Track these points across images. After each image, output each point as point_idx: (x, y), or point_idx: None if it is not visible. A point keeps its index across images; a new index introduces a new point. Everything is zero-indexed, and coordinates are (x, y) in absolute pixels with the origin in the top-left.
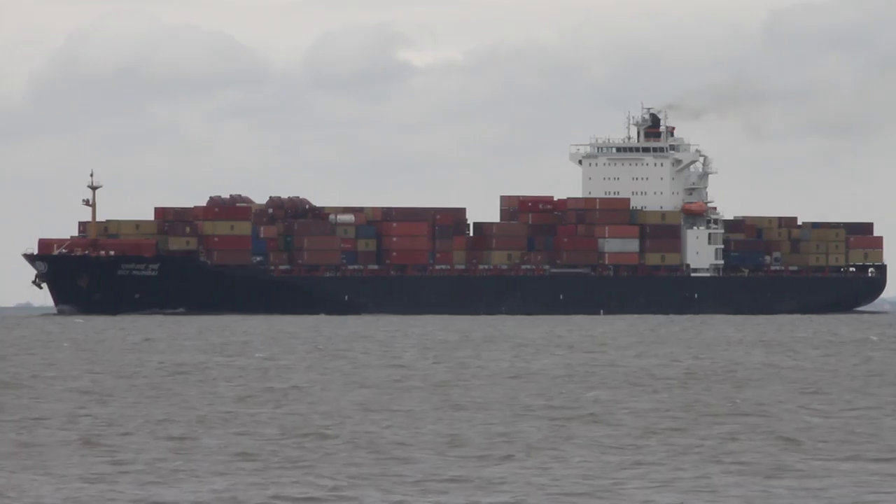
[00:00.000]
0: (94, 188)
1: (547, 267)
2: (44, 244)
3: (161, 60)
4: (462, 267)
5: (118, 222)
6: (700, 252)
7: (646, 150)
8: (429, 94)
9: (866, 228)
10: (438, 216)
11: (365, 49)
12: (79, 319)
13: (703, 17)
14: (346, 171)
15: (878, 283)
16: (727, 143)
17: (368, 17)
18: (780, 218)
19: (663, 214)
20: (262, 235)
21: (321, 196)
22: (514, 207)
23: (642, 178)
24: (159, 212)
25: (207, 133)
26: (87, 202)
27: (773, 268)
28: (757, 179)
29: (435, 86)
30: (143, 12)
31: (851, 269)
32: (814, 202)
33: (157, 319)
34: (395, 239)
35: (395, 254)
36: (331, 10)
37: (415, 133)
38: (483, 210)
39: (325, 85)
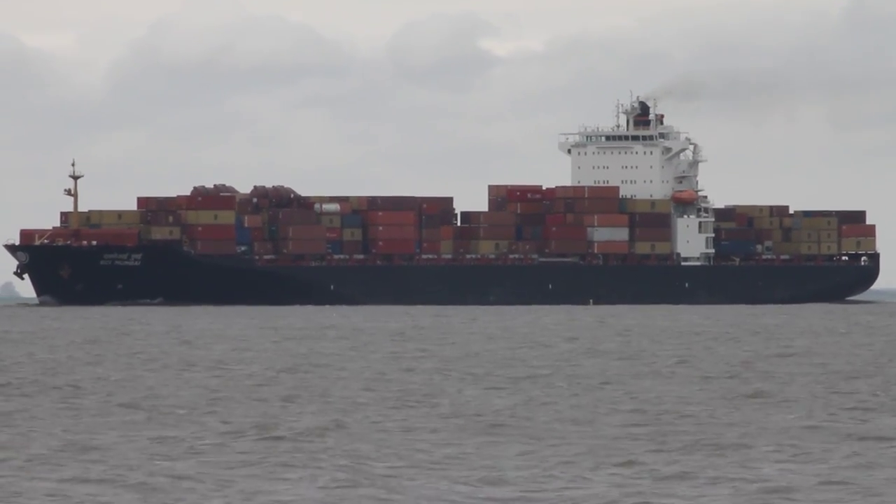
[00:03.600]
0: (75, 178)
1: (535, 256)
2: (25, 234)
3: (243, 51)
4: (449, 256)
5: (100, 212)
6: (690, 241)
7: (635, 138)
8: (508, 83)
9: (859, 217)
10: (425, 205)
11: (446, 39)
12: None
13: (782, 5)
14: (419, 161)
15: (871, 272)
16: (729, 131)
17: (450, 7)
18: (771, 206)
19: (653, 203)
20: (246, 225)
21: (307, 185)
22: (503, 197)
23: (632, 167)
24: (142, 201)
25: (286, 123)
26: (68, 192)
27: (764, 257)
28: (750, 168)
29: (514, 75)
30: (226, 1)
31: (844, 257)
32: (806, 190)
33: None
34: (381, 228)
35: (381, 243)
36: (413, 1)
37: (490, 122)
38: (471, 199)
39: (406, 74)
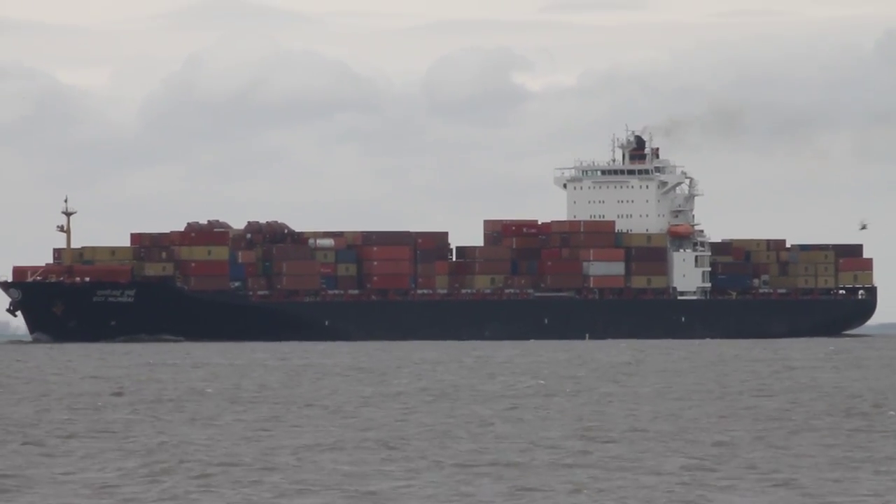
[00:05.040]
0: (68, 214)
1: (531, 291)
2: (18, 271)
3: (276, 86)
4: (444, 291)
5: (93, 248)
6: (687, 275)
7: (631, 172)
8: (541, 118)
9: (856, 250)
10: (420, 240)
11: (479, 74)
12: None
13: (815, 38)
14: (450, 196)
15: (869, 306)
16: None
17: (483, 42)
18: (768, 240)
19: (649, 237)
20: (240, 260)
21: (300, 220)
22: (498, 231)
23: (627, 201)
24: (135, 237)
25: (318, 159)
26: (61, 228)
27: (761, 290)
28: (747, 201)
29: (548, 110)
30: (262, 36)
31: (841, 291)
32: (802, 224)
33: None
34: (375, 263)
35: (376, 278)
36: (448, 35)
37: (522, 158)
38: (466, 234)
39: (439, 110)
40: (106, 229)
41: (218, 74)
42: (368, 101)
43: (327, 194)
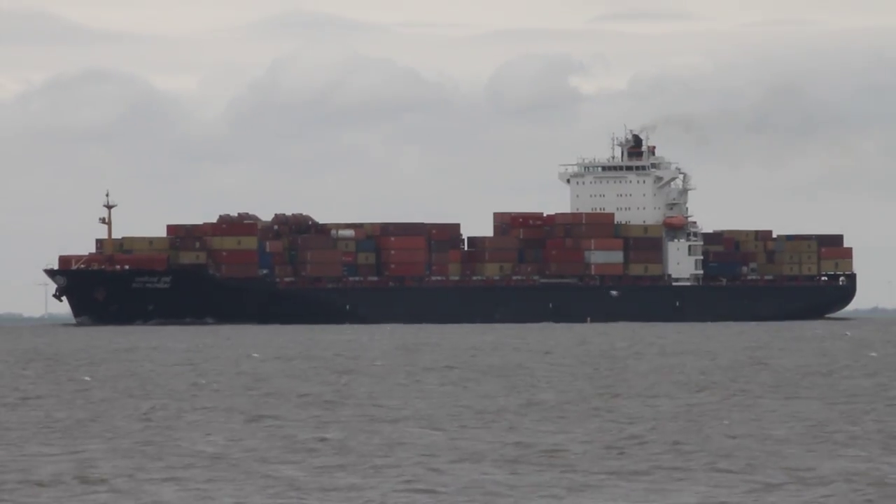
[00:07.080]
0: (109, 207)
1: (537, 277)
2: (63, 260)
3: (351, 90)
4: (457, 278)
5: (132, 239)
6: (681, 263)
7: (629, 168)
8: (594, 119)
9: (837, 240)
10: (434, 231)
11: (537, 78)
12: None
13: (847, 45)
14: (502, 193)
15: (848, 292)
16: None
17: (542, 49)
18: (756, 231)
19: (646, 228)
20: (268, 250)
21: (324, 212)
22: (507, 223)
23: (626, 195)
24: (171, 228)
25: (385, 157)
26: (103, 220)
27: (749, 277)
28: (736, 196)
29: (600, 112)
30: (338, 45)
31: (823, 278)
32: (788, 217)
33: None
34: (393, 252)
35: (393, 266)
36: (512, 44)
37: (564, 158)
38: (477, 226)
39: (499, 113)
40: (156, 221)
41: (298, 80)
42: (437, 105)
43: (364, 187)
